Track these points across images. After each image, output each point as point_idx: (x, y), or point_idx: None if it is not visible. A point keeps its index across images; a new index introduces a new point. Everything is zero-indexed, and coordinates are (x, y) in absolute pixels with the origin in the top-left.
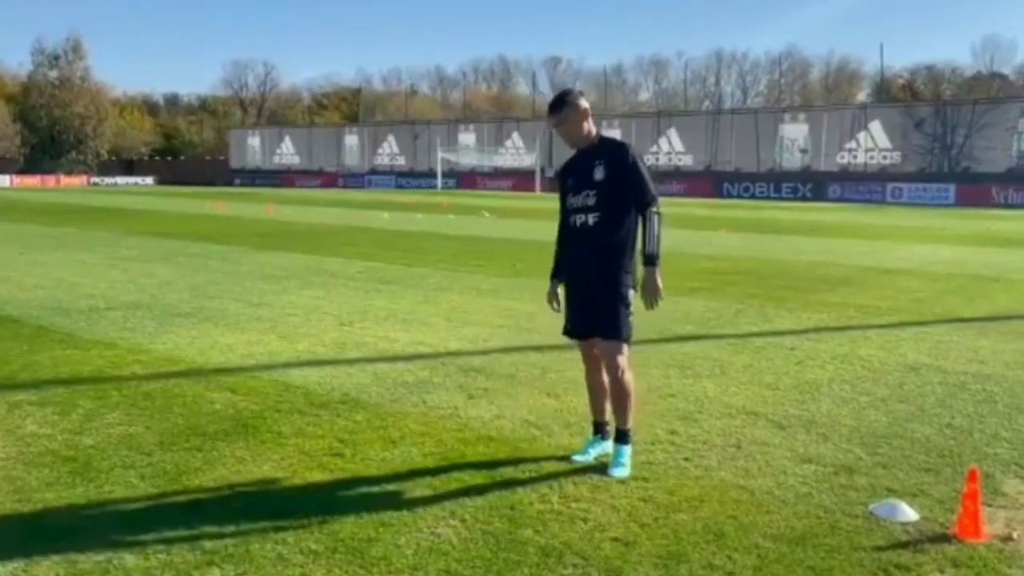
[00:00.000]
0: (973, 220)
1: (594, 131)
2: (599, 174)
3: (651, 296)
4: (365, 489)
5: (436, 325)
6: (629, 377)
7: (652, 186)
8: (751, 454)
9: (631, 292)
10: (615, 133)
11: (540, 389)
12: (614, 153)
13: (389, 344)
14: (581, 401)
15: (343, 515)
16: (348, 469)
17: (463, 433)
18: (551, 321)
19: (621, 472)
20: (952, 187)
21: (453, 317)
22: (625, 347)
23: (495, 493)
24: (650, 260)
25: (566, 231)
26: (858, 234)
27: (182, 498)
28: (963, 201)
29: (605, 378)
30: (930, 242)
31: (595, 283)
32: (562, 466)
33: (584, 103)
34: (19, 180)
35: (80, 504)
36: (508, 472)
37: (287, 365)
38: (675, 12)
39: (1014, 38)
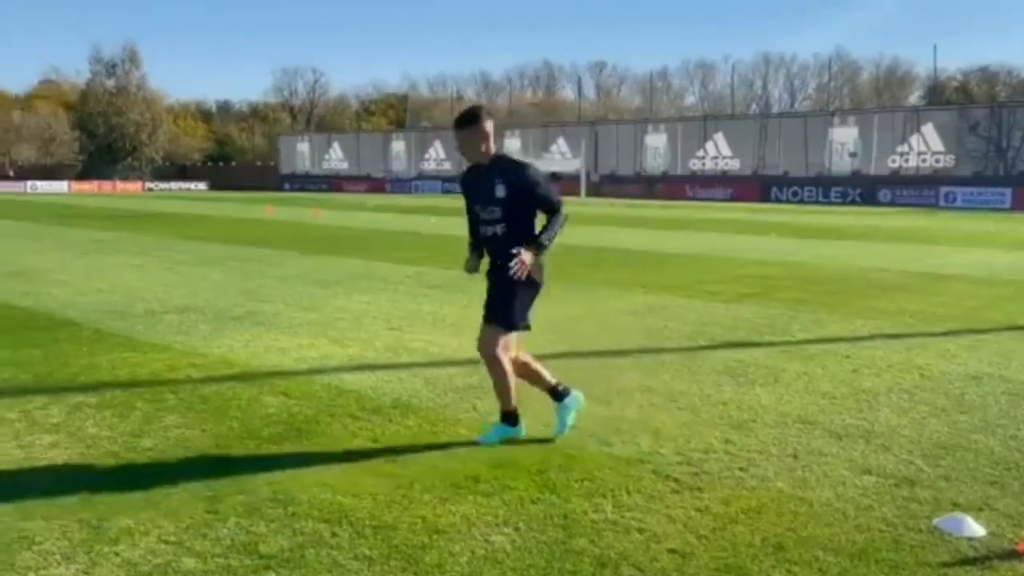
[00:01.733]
0: None
1: (492, 149)
2: (500, 191)
3: (517, 266)
4: (417, 495)
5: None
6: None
7: (554, 195)
8: (808, 464)
9: (521, 286)
10: (661, 138)
11: (589, 395)
12: (513, 173)
13: (439, 349)
14: (632, 408)
15: (397, 522)
16: (400, 474)
17: (515, 440)
18: (597, 326)
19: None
20: (1008, 191)
21: None
22: (502, 333)
23: (548, 501)
24: (537, 243)
25: (476, 238)
26: (910, 239)
27: (238, 502)
28: (1020, 205)
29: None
30: (986, 247)
31: (496, 280)
32: (615, 475)
33: (489, 125)
34: (77, 186)
35: (140, 505)
36: (560, 479)
37: (339, 369)
38: (721, 15)
39: None
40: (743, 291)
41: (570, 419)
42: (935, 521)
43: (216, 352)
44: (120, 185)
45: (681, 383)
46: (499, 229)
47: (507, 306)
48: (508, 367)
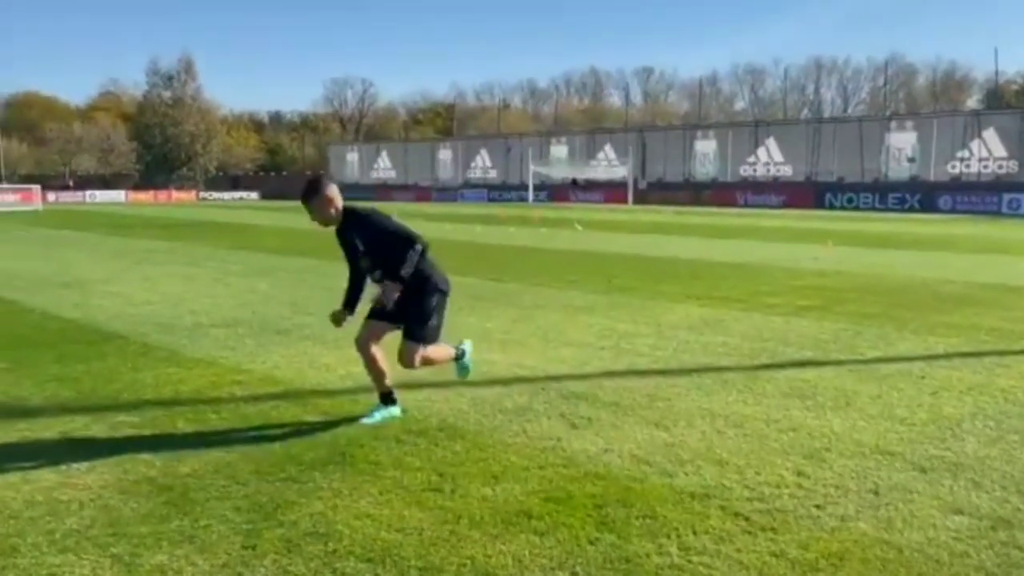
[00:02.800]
0: None
1: (339, 209)
2: (360, 245)
3: (385, 299)
4: (466, 532)
5: (532, 346)
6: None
7: (406, 232)
8: (892, 502)
9: (434, 300)
10: (710, 144)
11: (648, 419)
12: (361, 224)
13: (487, 367)
14: (694, 435)
15: (444, 563)
16: (447, 507)
17: (568, 469)
18: (652, 342)
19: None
20: None
21: (550, 337)
22: (419, 347)
23: (608, 541)
24: (399, 279)
25: (357, 285)
26: (975, 248)
27: (277, 535)
28: None
29: (378, 353)
30: None
31: (408, 302)
32: (679, 512)
33: (331, 190)
34: (133, 195)
35: (175, 539)
36: (620, 516)
37: None
38: (767, 18)
39: None
40: (802, 304)
41: (379, 419)
42: None
43: (261, 368)
44: (175, 194)
45: (745, 406)
46: (378, 274)
47: (425, 324)
48: (436, 361)
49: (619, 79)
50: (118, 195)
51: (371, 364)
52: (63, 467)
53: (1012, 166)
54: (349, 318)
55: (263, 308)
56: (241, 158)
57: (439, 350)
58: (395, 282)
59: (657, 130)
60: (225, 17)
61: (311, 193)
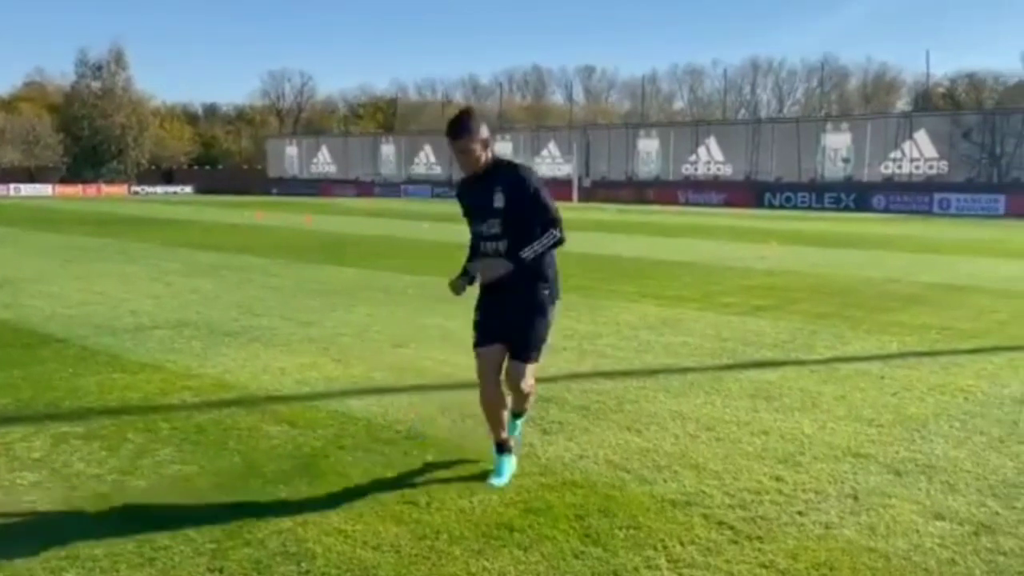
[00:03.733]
0: None
1: (491, 155)
2: (499, 201)
3: (484, 272)
4: (446, 547)
5: None
6: (532, 388)
7: (554, 208)
8: (872, 507)
9: (549, 307)
10: (653, 143)
11: (619, 423)
12: (513, 179)
13: (450, 369)
14: (667, 439)
15: None
16: (424, 521)
17: (545, 477)
18: (614, 343)
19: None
20: (1002, 197)
21: None
22: (533, 368)
23: (594, 555)
24: (516, 259)
25: (477, 253)
26: (912, 247)
27: (245, 555)
28: (1014, 212)
29: (505, 390)
30: (990, 256)
31: (512, 301)
32: (662, 522)
33: (484, 130)
34: (60, 189)
35: (134, 562)
36: (603, 527)
37: (345, 393)
38: (709, 19)
39: None
40: (757, 303)
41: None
42: None
43: (211, 373)
44: (105, 188)
45: (714, 409)
46: (500, 246)
47: (538, 339)
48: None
49: (561, 77)
50: (44, 189)
51: (497, 407)
52: (5, 483)
53: (942, 167)
54: (467, 287)
55: (208, 309)
56: (174, 151)
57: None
58: (509, 262)
59: (601, 128)
60: (157, 5)
61: (461, 130)
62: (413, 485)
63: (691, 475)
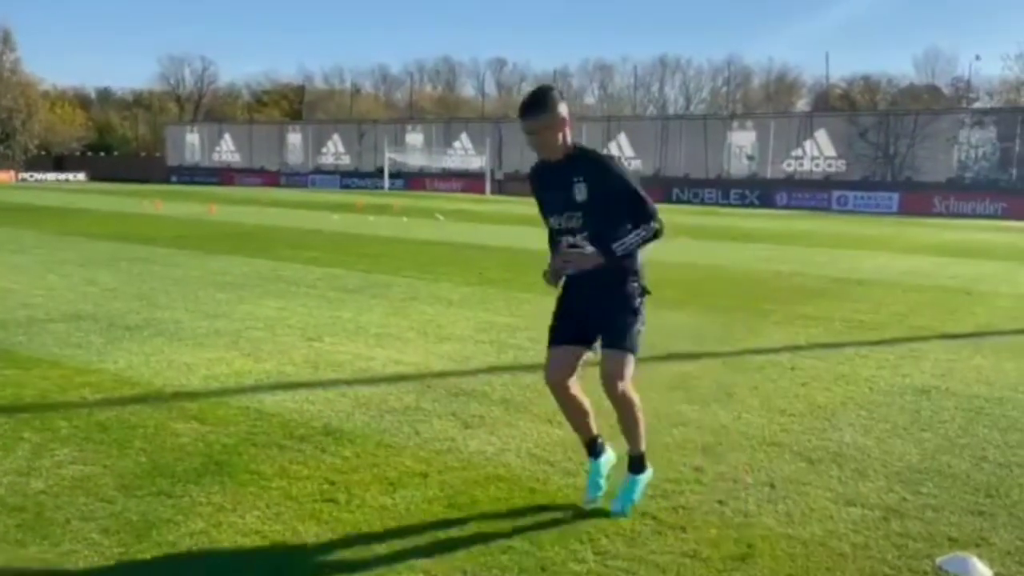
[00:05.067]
0: (921, 228)
1: (570, 140)
2: (580, 194)
3: (568, 259)
4: (366, 546)
5: (412, 340)
6: (632, 391)
7: (648, 200)
8: (788, 495)
9: (639, 301)
10: None
11: (540, 416)
12: (596, 169)
13: (366, 363)
14: None
15: None
16: (345, 519)
17: (468, 472)
18: (534, 335)
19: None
20: (896, 195)
21: (428, 331)
22: (631, 359)
23: (520, 549)
24: (606, 249)
25: (557, 248)
26: (815, 242)
27: (154, 557)
28: (906, 209)
29: (578, 390)
30: (887, 251)
31: (601, 297)
32: (588, 514)
33: (564, 109)
34: None
35: (35, 569)
36: (528, 521)
37: (256, 388)
38: (619, 18)
39: (955, 52)
40: (670, 295)
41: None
42: (938, 561)
43: (112, 368)
44: None
45: None
46: (580, 239)
47: (633, 330)
48: (638, 400)
49: (473, 69)
50: None
51: (572, 406)
52: None
53: (841, 165)
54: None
55: (107, 302)
56: (66, 137)
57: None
58: (597, 253)
59: (513, 121)
60: None
61: (538, 108)
62: (331, 483)
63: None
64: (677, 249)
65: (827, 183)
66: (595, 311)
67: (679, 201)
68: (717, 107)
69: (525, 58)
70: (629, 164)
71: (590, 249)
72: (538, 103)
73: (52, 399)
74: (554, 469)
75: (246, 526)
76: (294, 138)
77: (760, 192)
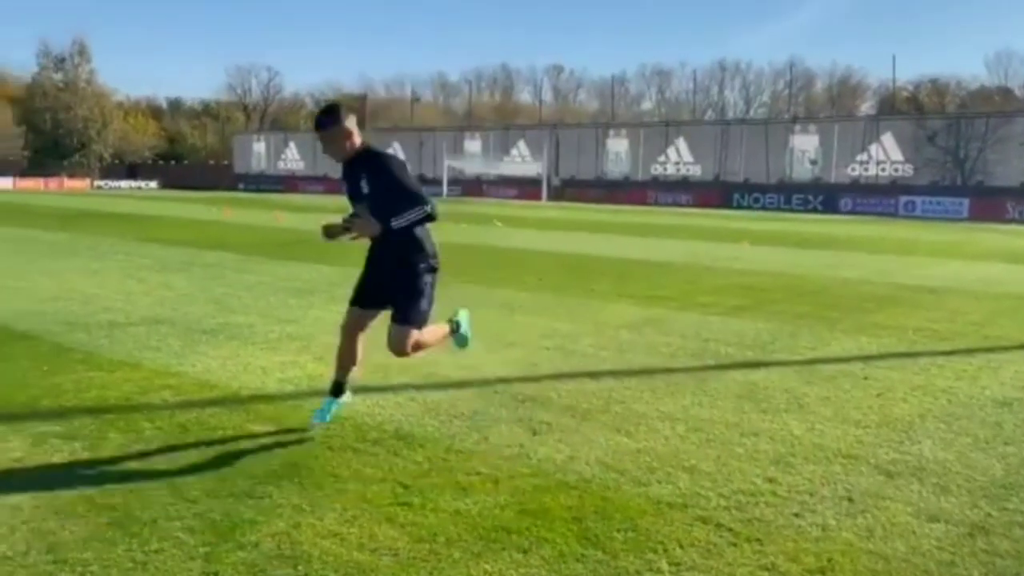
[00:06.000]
0: (994, 235)
1: (358, 143)
2: (365, 187)
3: (356, 226)
4: (444, 550)
5: (475, 346)
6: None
7: (418, 190)
8: (867, 509)
9: (427, 279)
10: (622, 143)
11: (608, 424)
12: (374, 167)
13: (433, 368)
14: (658, 440)
15: None
16: (419, 523)
17: (537, 479)
18: (596, 343)
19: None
20: (966, 200)
21: (493, 337)
22: (413, 331)
23: (595, 558)
24: (385, 220)
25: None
26: (882, 248)
27: (239, 558)
28: (977, 215)
29: (360, 348)
30: (959, 258)
31: (391, 272)
32: (660, 523)
33: (349, 123)
34: (21, 183)
35: (125, 566)
36: (600, 529)
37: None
38: (677, 21)
39: None
40: (736, 303)
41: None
42: None
43: (192, 371)
44: (67, 182)
45: (702, 410)
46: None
47: (415, 305)
48: (429, 344)
49: (530, 76)
50: (5, 182)
51: (347, 350)
52: None
53: (907, 169)
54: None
55: (184, 306)
56: (139, 146)
57: (432, 331)
58: (380, 224)
59: (570, 128)
60: None
61: (328, 121)
62: (405, 487)
63: (685, 477)
64: (739, 255)
65: (894, 188)
66: (390, 286)
67: (739, 207)
68: (778, 111)
69: (582, 64)
70: (688, 170)
71: (373, 220)
72: (327, 118)
73: (135, 401)
74: (624, 478)
75: (324, 528)
76: None
77: (824, 197)
